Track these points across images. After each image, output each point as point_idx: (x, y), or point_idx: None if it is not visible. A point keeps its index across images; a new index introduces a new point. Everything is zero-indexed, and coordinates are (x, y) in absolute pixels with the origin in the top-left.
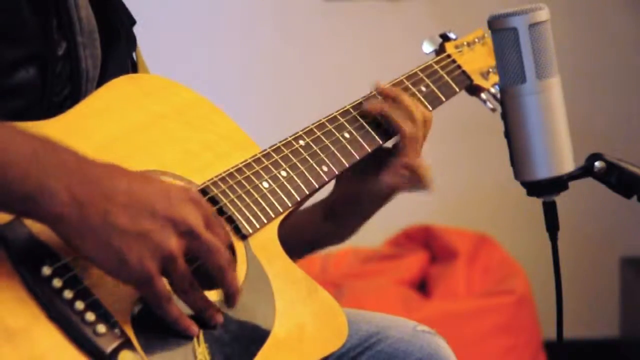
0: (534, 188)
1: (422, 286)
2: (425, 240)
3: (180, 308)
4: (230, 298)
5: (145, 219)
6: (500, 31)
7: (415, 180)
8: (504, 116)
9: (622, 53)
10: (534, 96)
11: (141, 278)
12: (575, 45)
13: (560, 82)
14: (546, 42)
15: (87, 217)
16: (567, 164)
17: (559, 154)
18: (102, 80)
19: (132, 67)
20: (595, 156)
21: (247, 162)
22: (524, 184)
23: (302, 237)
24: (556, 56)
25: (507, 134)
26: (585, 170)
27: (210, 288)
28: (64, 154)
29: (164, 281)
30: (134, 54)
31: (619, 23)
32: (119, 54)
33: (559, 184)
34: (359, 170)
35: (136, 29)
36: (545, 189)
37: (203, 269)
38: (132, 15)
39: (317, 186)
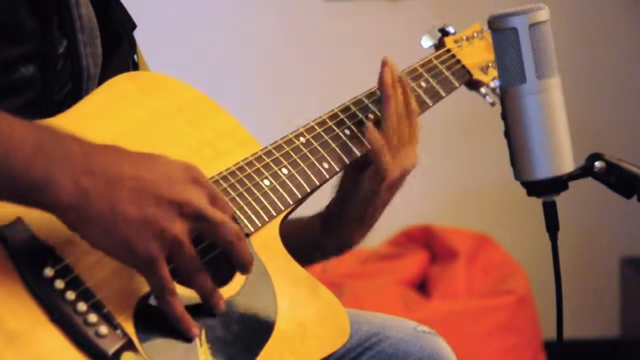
0: (534, 188)
1: (422, 286)
2: (425, 240)
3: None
4: (244, 268)
5: (151, 205)
6: (500, 31)
7: (378, 179)
8: (504, 116)
9: (622, 53)
10: (534, 96)
11: (146, 263)
12: (575, 45)
13: (560, 82)
14: (546, 42)
15: (93, 205)
16: (567, 164)
17: (559, 154)
18: (102, 82)
19: (134, 70)
20: (595, 156)
21: (248, 159)
22: (524, 184)
23: (303, 250)
24: (556, 56)
25: (507, 134)
26: (585, 170)
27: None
28: (69, 143)
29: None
30: (135, 57)
31: (619, 23)
32: (121, 58)
33: (559, 184)
34: (350, 177)
35: (136, 29)
36: (546, 189)
37: (213, 261)
38: (132, 19)
39: (318, 183)
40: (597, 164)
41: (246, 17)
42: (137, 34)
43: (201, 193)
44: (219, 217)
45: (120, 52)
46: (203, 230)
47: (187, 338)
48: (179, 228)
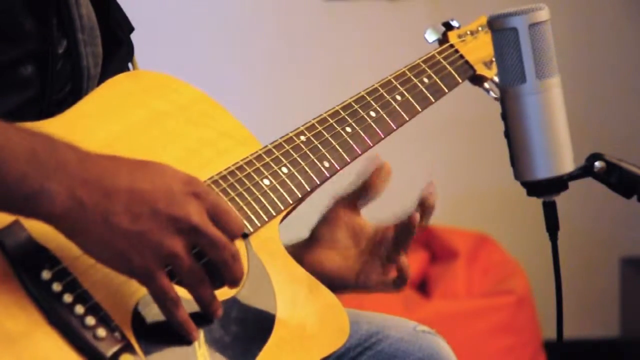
0: (534, 188)
1: (422, 286)
2: (425, 240)
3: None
4: (234, 285)
5: (146, 219)
6: (500, 31)
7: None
8: (504, 116)
9: (622, 53)
10: (534, 96)
11: (143, 274)
12: (575, 45)
13: (560, 82)
14: (546, 42)
15: (88, 217)
16: (567, 164)
17: (559, 154)
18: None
19: None
20: (595, 156)
21: (248, 159)
22: (524, 184)
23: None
24: (556, 56)
25: (507, 134)
26: (585, 170)
27: (215, 284)
28: (64, 152)
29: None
30: (130, 64)
31: (619, 23)
32: (121, 60)
33: (559, 184)
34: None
35: (136, 29)
36: (545, 189)
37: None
38: (130, 22)
39: (318, 182)
40: (597, 164)
41: (246, 17)
42: (136, 34)
43: (200, 208)
44: (216, 237)
45: (119, 54)
46: (199, 246)
47: (187, 340)
48: (176, 243)
